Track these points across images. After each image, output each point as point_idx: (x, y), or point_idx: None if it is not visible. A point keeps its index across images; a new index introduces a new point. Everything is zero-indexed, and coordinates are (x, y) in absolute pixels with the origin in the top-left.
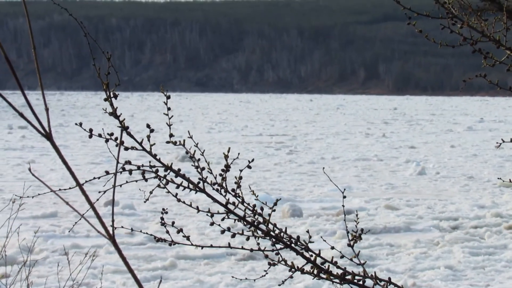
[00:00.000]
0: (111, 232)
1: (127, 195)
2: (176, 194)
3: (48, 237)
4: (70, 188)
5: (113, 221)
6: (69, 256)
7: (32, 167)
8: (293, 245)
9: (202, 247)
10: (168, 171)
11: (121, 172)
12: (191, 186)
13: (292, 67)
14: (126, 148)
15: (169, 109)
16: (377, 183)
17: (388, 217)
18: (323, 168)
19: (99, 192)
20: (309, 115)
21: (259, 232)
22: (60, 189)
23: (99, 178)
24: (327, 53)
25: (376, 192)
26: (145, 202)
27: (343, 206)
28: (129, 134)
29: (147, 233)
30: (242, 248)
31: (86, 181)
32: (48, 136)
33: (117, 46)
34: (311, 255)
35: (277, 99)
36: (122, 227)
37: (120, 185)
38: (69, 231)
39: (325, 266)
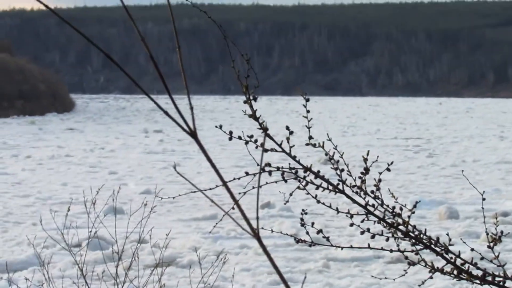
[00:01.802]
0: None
1: (281, 197)
2: (316, 195)
3: (216, 239)
4: (216, 186)
5: (257, 218)
6: (221, 257)
7: (178, 170)
8: (432, 246)
9: (342, 247)
10: (308, 172)
11: (260, 174)
12: (330, 187)
13: (421, 71)
14: (266, 150)
15: (308, 111)
16: None
17: None
18: (462, 170)
19: (239, 193)
20: (438, 119)
21: (399, 233)
22: (210, 188)
23: (239, 179)
24: (455, 56)
25: None
26: (285, 204)
27: (482, 208)
28: (268, 136)
29: (287, 234)
30: (382, 249)
31: (230, 180)
32: (193, 134)
33: (245, 50)
34: (451, 257)
35: (406, 102)
36: (263, 228)
37: (260, 186)
38: (209, 232)
39: (465, 267)
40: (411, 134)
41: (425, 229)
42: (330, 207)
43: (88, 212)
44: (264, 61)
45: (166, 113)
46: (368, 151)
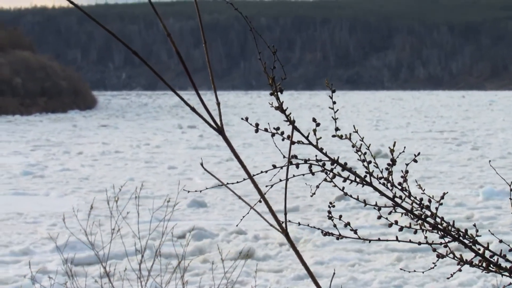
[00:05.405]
0: (284, 225)
1: (353, 189)
2: (343, 188)
3: (313, 230)
4: (242, 180)
5: (285, 214)
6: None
7: (234, 164)
8: (461, 238)
9: (369, 240)
10: (335, 165)
11: (288, 166)
12: (358, 179)
13: (443, 64)
14: (293, 142)
15: (334, 102)
16: None
17: None
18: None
19: (267, 185)
20: (459, 111)
21: (427, 225)
22: (238, 181)
23: (266, 172)
24: (477, 49)
25: None
26: (311, 196)
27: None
28: (295, 128)
29: (314, 227)
30: (410, 241)
31: (255, 174)
32: (220, 130)
33: (267, 45)
34: (479, 249)
35: (428, 96)
36: (290, 221)
37: (287, 179)
38: (236, 225)
39: (494, 259)
40: (442, 128)
41: (453, 221)
42: (357, 199)
43: (174, 205)
44: (286, 55)
45: (194, 109)
46: (395, 142)
